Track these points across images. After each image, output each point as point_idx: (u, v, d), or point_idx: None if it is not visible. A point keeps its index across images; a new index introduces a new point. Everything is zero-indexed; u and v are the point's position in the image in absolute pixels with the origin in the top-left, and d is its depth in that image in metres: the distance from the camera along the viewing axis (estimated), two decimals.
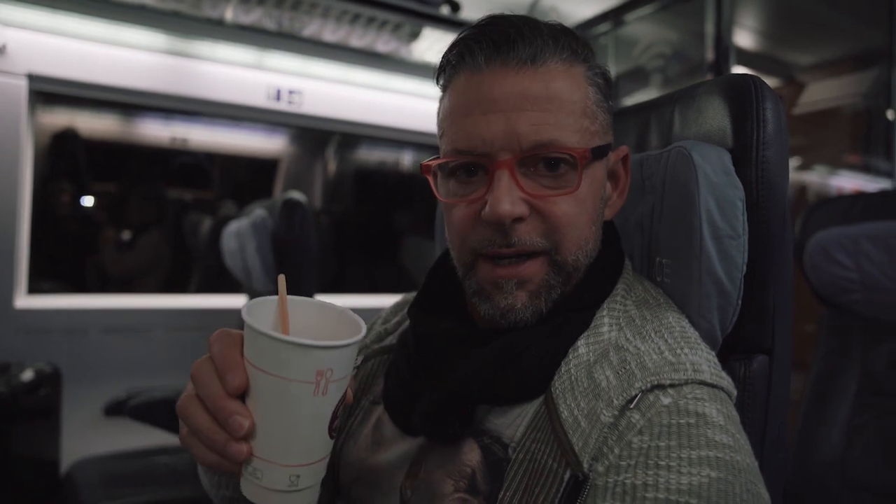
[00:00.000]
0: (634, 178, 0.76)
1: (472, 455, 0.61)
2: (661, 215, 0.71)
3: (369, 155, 3.72)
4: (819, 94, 2.62)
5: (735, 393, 0.59)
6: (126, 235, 3.12)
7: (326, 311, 0.56)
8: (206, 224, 3.10)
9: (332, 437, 0.52)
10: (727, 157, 0.65)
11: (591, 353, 0.60)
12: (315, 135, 3.34)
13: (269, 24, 2.35)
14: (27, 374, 1.83)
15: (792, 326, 0.69)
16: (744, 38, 2.58)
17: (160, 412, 1.95)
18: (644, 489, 0.49)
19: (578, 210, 0.61)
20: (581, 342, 0.61)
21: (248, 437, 0.49)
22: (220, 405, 0.49)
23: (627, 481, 0.50)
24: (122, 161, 3.23)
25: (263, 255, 1.99)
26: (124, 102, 2.34)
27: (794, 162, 2.69)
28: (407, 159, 3.75)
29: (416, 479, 0.65)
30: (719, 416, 0.53)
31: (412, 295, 0.87)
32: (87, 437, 2.09)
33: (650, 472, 0.50)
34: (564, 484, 0.53)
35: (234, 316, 2.35)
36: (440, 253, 0.78)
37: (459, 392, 0.61)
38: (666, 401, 0.54)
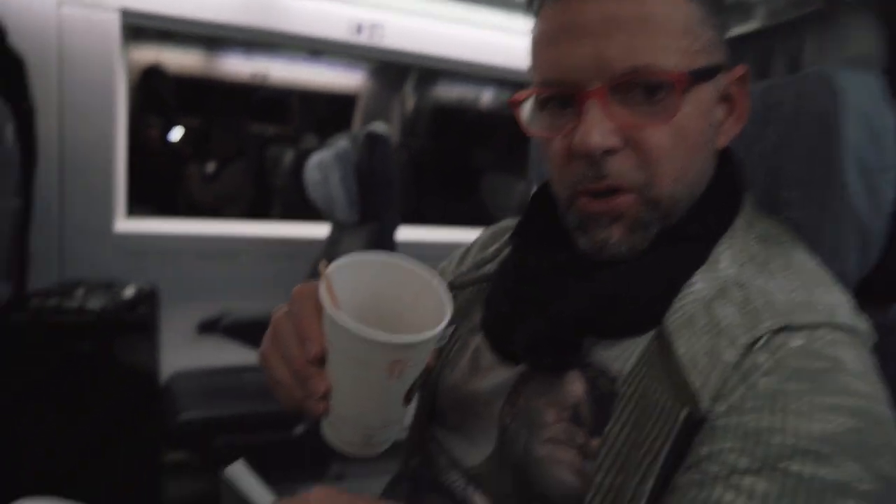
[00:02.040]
0: (755, 109, 0.72)
1: (576, 386, 0.61)
2: (790, 146, 0.67)
3: (448, 92, 3.68)
4: None
5: (874, 339, 0.55)
6: (211, 168, 3.23)
7: (413, 275, 0.55)
8: (288, 157, 3.16)
9: (406, 404, 0.53)
10: (877, 81, 0.60)
11: (708, 289, 0.57)
12: (394, 70, 3.31)
13: None
14: (128, 292, 1.94)
15: None
16: None
17: (250, 331, 2.04)
18: (770, 433, 0.48)
19: (676, 140, 0.57)
20: (697, 277, 0.58)
21: (325, 397, 0.51)
22: (299, 368, 0.51)
23: (750, 424, 0.49)
24: (205, 96, 3.31)
25: (347, 185, 2.02)
26: (208, 36, 2.38)
27: None
28: (487, 97, 3.69)
29: (515, 406, 0.65)
30: (857, 363, 0.50)
31: (510, 222, 0.86)
32: (182, 353, 2.23)
33: (777, 416, 0.48)
34: (679, 423, 0.52)
35: (315, 246, 2.41)
36: (537, 187, 0.76)
37: (566, 322, 0.60)
38: (797, 343, 0.51)
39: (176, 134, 3.24)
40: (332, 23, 2.43)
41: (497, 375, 0.68)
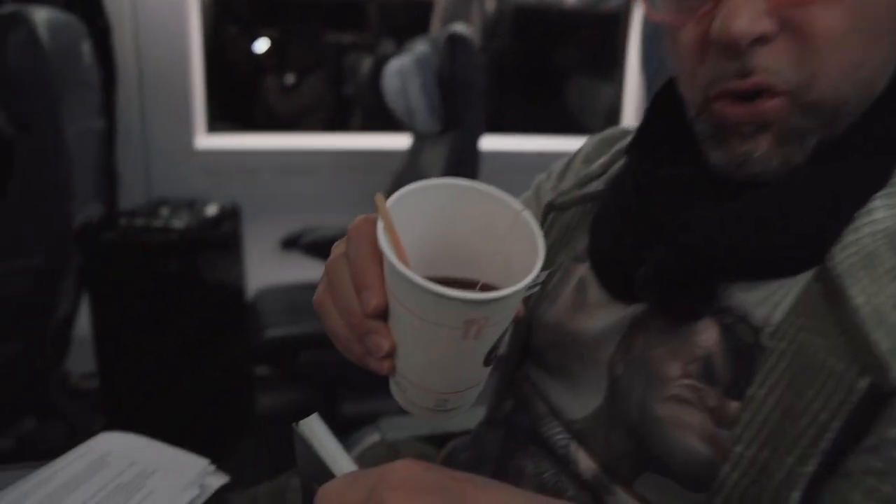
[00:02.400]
0: None
1: (707, 335, 0.49)
2: None
3: None
4: None
5: None
6: (289, 79, 3.17)
7: (495, 204, 0.43)
8: (367, 65, 3.06)
9: (488, 365, 0.43)
10: None
11: (894, 218, 0.44)
12: None
13: None
14: (211, 209, 1.93)
15: None
16: None
17: (331, 248, 2.01)
18: None
19: (851, 23, 0.43)
20: (878, 202, 0.44)
21: (390, 355, 0.42)
22: (357, 322, 0.41)
23: None
24: (282, 6, 3.23)
25: (428, 92, 1.89)
26: None
27: None
28: None
29: (629, 353, 0.54)
30: None
31: (619, 130, 0.73)
32: (267, 269, 2.24)
33: None
34: (857, 393, 0.40)
35: (396, 157, 2.32)
36: (659, 87, 0.62)
37: (698, 256, 0.48)
38: None
39: (254, 47, 3.18)
40: None
41: (607, 315, 0.57)
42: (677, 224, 0.49)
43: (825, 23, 0.43)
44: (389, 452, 0.83)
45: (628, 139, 0.61)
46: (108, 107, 2.09)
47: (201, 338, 1.80)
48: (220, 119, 2.62)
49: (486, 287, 0.44)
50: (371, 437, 0.92)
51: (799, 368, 0.43)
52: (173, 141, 2.20)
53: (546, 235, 0.67)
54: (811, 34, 0.43)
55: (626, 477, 0.53)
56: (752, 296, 0.48)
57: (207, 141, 2.34)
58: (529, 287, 0.40)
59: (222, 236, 1.92)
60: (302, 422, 0.49)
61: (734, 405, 0.46)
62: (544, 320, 0.63)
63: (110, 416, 1.81)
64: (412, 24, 3.29)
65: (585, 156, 0.72)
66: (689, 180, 0.51)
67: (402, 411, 0.49)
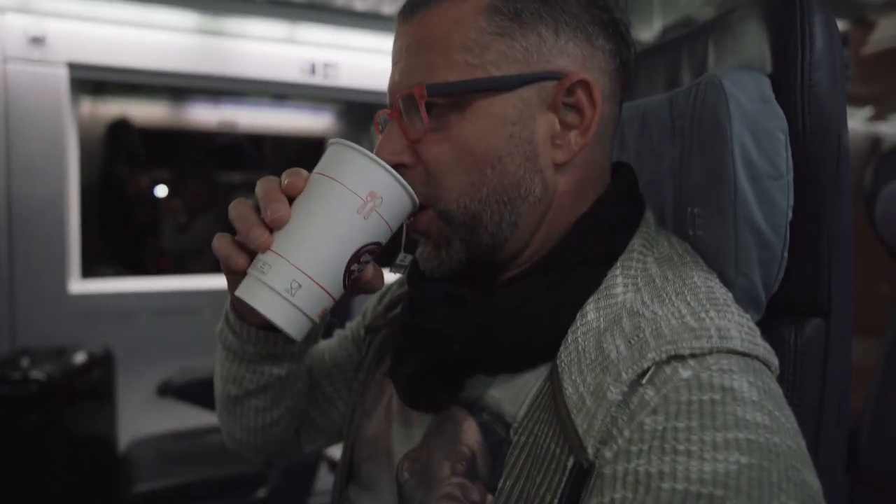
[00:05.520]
0: (663, 121, 0.67)
1: (470, 434, 0.55)
2: (691, 158, 0.61)
3: None
4: (893, 30, 2.38)
5: (775, 363, 0.49)
6: (182, 219, 3.18)
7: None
8: None
9: (345, 282, 0.52)
10: (765, 83, 0.55)
11: (601, 319, 0.51)
12: (360, 109, 3.30)
13: None
14: (80, 357, 1.86)
15: (857, 287, 0.58)
16: None
17: (204, 391, 1.96)
18: (660, 478, 0.41)
19: (453, 153, 0.55)
20: (590, 306, 0.53)
21: (277, 226, 0.51)
22: (272, 196, 0.51)
23: (640, 469, 0.43)
24: (175, 147, 3.29)
25: None
26: (167, 86, 2.33)
27: (866, 112, 2.47)
28: None
29: (415, 461, 0.59)
30: (752, 391, 0.44)
31: None
32: (142, 417, 2.13)
33: (666, 459, 0.42)
34: (568, 472, 0.46)
35: None
36: None
37: (444, 354, 0.56)
38: (685, 374, 0.45)
39: (145, 187, 3.20)
40: (285, 64, 2.42)
41: (407, 424, 0.63)
42: (436, 331, 0.57)
43: (431, 154, 0.56)
44: None
45: None
46: None
47: (69, 496, 1.68)
48: (103, 263, 2.58)
49: None
50: None
51: (533, 458, 0.49)
52: (44, 285, 2.14)
53: (365, 355, 0.73)
54: (425, 162, 0.56)
55: None
56: (505, 394, 0.54)
57: (82, 286, 2.28)
58: (394, 263, 0.60)
59: (92, 385, 1.84)
60: None
61: (490, 498, 0.51)
62: (362, 436, 0.68)
63: None
64: (305, 162, 3.42)
65: (401, 280, 0.79)
66: (446, 291, 0.59)
67: None
